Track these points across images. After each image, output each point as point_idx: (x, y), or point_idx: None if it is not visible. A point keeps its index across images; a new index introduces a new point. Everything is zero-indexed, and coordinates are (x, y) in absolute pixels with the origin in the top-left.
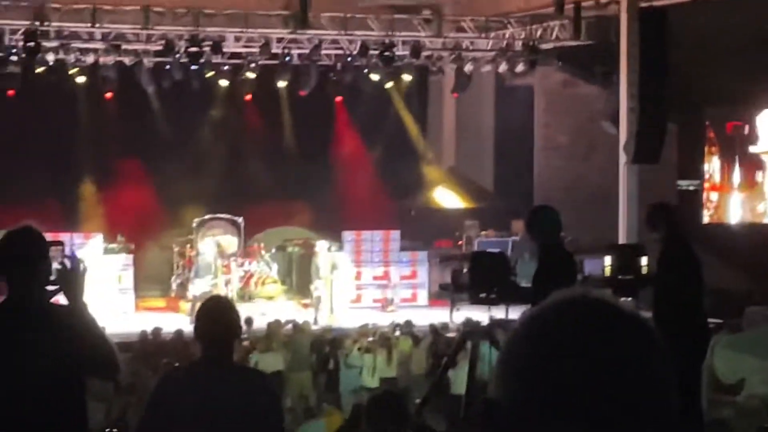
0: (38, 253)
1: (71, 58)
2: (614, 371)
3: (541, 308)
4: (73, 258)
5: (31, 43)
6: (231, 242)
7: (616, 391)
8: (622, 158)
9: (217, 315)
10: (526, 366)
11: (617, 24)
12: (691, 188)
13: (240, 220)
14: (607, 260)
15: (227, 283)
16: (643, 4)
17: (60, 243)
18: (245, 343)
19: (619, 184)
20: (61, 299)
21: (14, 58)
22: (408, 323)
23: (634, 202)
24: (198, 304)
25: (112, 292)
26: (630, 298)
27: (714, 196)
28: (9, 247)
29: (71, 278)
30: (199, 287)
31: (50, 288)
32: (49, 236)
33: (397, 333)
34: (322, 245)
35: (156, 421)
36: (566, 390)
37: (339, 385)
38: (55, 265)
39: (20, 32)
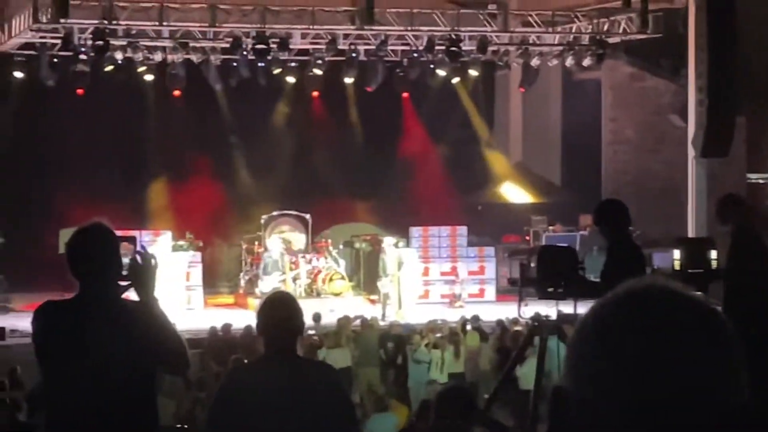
0: (109, 250)
1: (139, 56)
2: (685, 361)
3: (609, 298)
4: (144, 253)
5: (100, 42)
6: (299, 239)
7: (686, 381)
8: (691, 152)
9: (279, 311)
10: (596, 355)
11: (685, 16)
12: (761, 181)
13: (308, 216)
14: (677, 254)
15: (295, 279)
16: None
17: (131, 239)
18: (314, 338)
19: (687, 177)
20: (132, 294)
21: (83, 57)
22: (476, 318)
23: (703, 196)
24: None
25: (180, 288)
26: (700, 292)
27: None
28: (80, 243)
29: (143, 273)
30: (267, 284)
31: (122, 283)
32: (119, 232)
33: (468, 327)
34: (388, 241)
35: (224, 417)
36: (636, 379)
37: (408, 380)
38: (127, 260)
39: (89, 31)
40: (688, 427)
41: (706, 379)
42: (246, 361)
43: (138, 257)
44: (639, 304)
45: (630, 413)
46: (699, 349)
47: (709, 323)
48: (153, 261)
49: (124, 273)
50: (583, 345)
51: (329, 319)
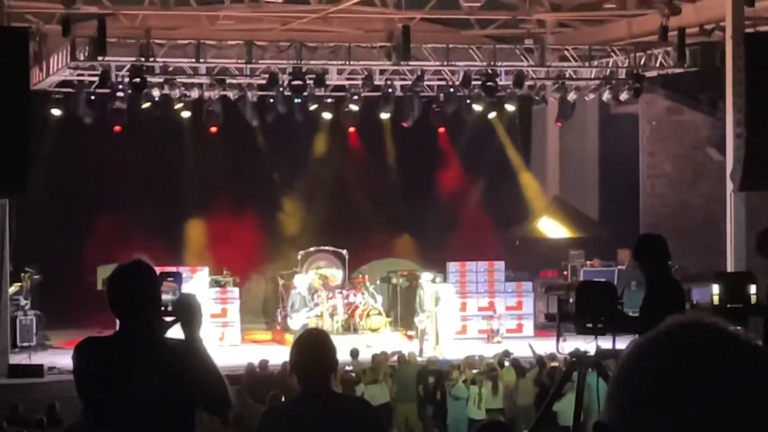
0: (149, 287)
1: (176, 93)
2: (730, 399)
3: (655, 333)
4: (188, 294)
5: (137, 79)
6: (336, 274)
7: (731, 420)
8: (729, 185)
9: (311, 348)
10: (640, 390)
11: (722, 50)
12: None
13: (345, 252)
14: (716, 288)
15: (332, 314)
16: (749, 30)
17: (177, 275)
18: (351, 375)
19: (726, 211)
20: (177, 332)
21: (120, 94)
22: (507, 353)
23: (741, 230)
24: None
25: (217, 324)
26: (739, 327)
27: None
28: (120, 280)
29: (189, 310)
30: (296, 321)
31: (167, 319)
32: (161, 269)
33: (506, 363)
34: (426, 277)
35: None
36: (680, 416)
37: (447, 417)
38: (170, 297)
39: (126, 68)
40: None
41: (751, 416)
42: (283, 398)
43: (184, 294)
44: (684, 341)
45: None
46: (745, 389)
47: (756, 364)
48: (197, 300)
49: (170, 309)
50: (626, 380)
51: (366, 354)
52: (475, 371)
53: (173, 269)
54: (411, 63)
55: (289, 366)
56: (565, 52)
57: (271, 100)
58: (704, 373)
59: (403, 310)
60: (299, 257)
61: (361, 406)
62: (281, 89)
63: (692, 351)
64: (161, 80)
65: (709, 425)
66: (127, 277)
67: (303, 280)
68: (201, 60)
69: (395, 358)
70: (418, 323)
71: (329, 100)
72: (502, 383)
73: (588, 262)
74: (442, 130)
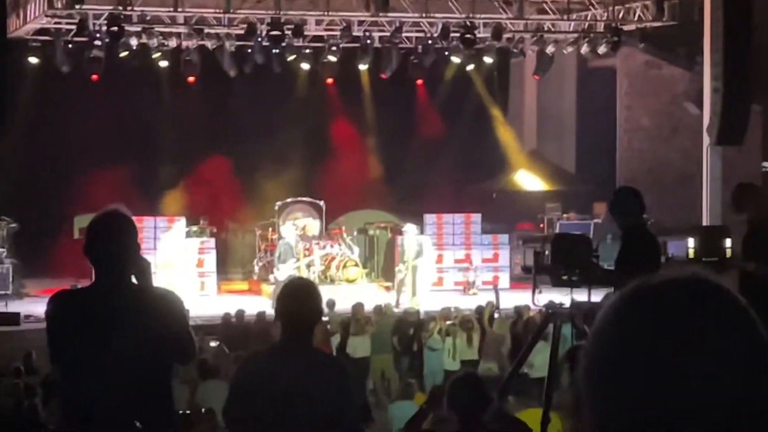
0: (127, 235)
1: (154, 42)
2: (717, 356)
3: (626, 293)
4: None
5: (115, 28)
6: (313, 225)
7: (718, 377)
8: (706, 140)
9: (300, 298)
10: (619, 346)
11: (701, 4)
12: None
13: (321, 203)
14: (691, 242)
15: (309, 266)
16: None
17: None
18: (327, 326)
19: (702, 165)
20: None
21: (98, 42)
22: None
23: (717, 184)
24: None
25: (193, 274)
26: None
27: None
28: (98, 229)
29: (142, 263)
30: (283, 272)
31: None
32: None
33: (496, 315)
34: (410, 228)
35: (239, 405)
36: (657, 374)
37: (423, 368)
38: None
39: (104, 17)
40: (720, 423)
41: (739, 379)
42: (257, 349)
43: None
44: (667, 294)
45: (659, 414)
46: (734, 347)
47: (740, 319)
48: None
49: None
50: (605, 337)
51: (343, 305)
52: (449, 323)
53: (143, 222)
54: (389, 14)
55: (274, 313)
56: (544, 5)
57: (249, 51)
58: (682, 330)
59: (381, 261)
60: (276, 208)
61: (335, 366)
62: (259, 39)
63: (676, 305)
64: (139, 29)
65: (693, 387)
66: (104, 225)
67: (290, 231)
68: (179, 9)
69: (371, 309)
70: (397, 273)
71: (307, 51)
72: (477, 335)
73: (564, 215)
74: (420, 82)
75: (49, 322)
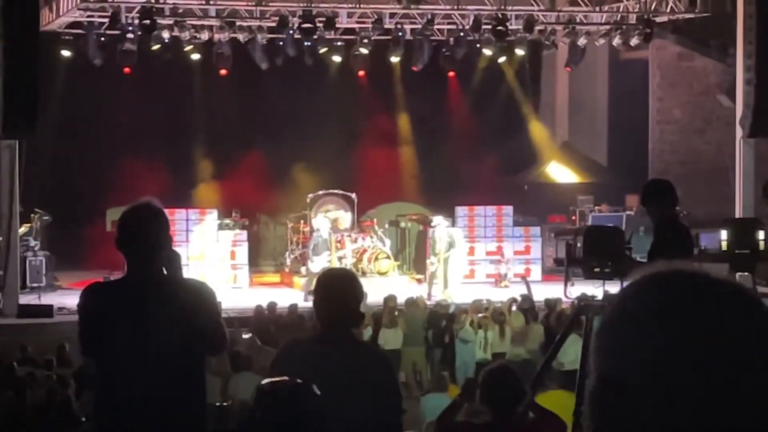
0: (160, 228)
1: (186, 35)
2: (715, 345)
3: (637, 282)
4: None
5: (147, 21)
6: (345, 218)
7: (716, 368)
8: (739, 132)
9: (340, 287)
10: (620, 341)
11: None
12: None
13: (353, 195)
14: (724, 234)
15: (341, 258)
16: None
17: None
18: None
19: (735, 157)
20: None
21: (130, 35)
22: (524, 298)
23: (750, 176)
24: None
25: (226, 267)
26: (746, 273)
27: None
28: (131, 221)
29: (172, 256)
30: (317, 264)
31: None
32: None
33: (514, 308)
34: (440, 220)
35: None
36: (663, 366)
37: (455, 360)
38: None
39: (136, 10)
40: (725, 417)
41: (735, 367)
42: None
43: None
44: (665, 288)
45: (655, 402)
46: (733, 335)
47: (743, 308)
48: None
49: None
50: (607, 331)
51: (374, 298)
52: (480, 315)
53: (176, 214)
54: (421, 6)
55: (313, 304)
56: None
57: (281, 43)
58: (685, 320)
59: (412, 253)
60: (308, 200)
61: (377, 355)
62: (291, 32)
63: (671, 299)
64: (171, 22)
65: (689, 377)
66: (137, 218)
67: (324, 223)
68: (211, 2)
69: (402, 301)
70: (429, 265)
71: (339, 44)
72: (510, 328)
73: (596, 208)
74: (452, 74)
75: (81, 314)
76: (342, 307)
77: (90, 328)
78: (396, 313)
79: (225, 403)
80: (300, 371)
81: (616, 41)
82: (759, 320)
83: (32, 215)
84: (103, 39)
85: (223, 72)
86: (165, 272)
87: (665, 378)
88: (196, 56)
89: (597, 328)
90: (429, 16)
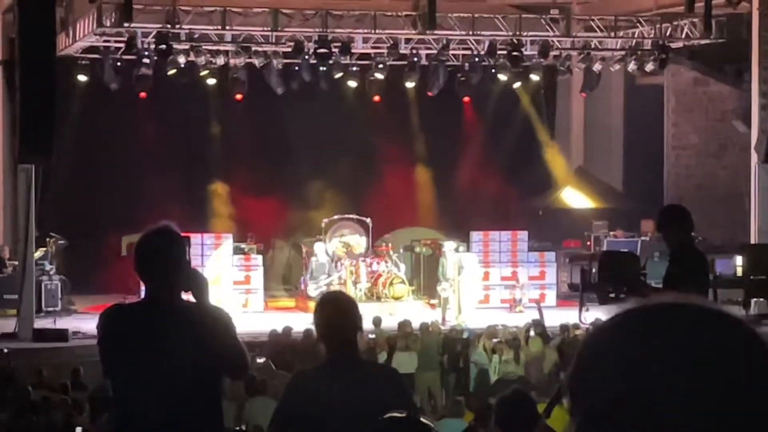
0: (178, 252)
1: (202, 60)
2: (706, 374)
3: (621, 316)
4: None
5: (163, 46)
6: (360, 242)
7: (701, 398)
8: (754, 158)
9: (333, 311)
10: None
11: (748, 21)
12: None
13: (368, 220)
14: (739, 260)
15: (355, 282)
16: None
17: (185, 239)
18: (371, 342)
19: (750, 183)
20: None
21: (146, 60)
22: (535, 323)
23: (766, 202)
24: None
25: (240, 291)
26: (762, 299)
27: None
28: (149, 246)
29: (198, 279)
30: (313, 288)
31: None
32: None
33: (531, 333)
34: (449, 246)
35: (288, 424)
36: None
37: (470, 384)
38: None
39: (152, 35)
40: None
41: (724, 399)
42: (305, 367)
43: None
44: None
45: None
46: (725, 365)
47: (732, 337)
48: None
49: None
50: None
51: (389, 323)
52: (495, 340)
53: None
54: (436, 32)
55: (315, 331)
56: (591, 23)
57: (297, 68)
58: (674, 351)
59: (426, 278)
60: (323, 225)
61: (389, 374)
62: (306, 57)
63: (663, 329)
64: (187, 47)
65: (673, 406)
66: (155, 242)
67: (323, 248)
68: (227, 27)
69: (417, 326)
70: (440, 292)
71: (354, 69)
72: (525, 353)
73: (611, 233)
74: (467, 99)
75: (101, 336)
76: (342, 329)
77: (109, 350)
78: (411, 337)
79: (240, 428)
80: (308, 402)
81: (632, 67)
82: (750, 352)
83: (48, 239)
84: (119, 64)
85: (238, 97)
86: (191, 297)
87: (652, 412)
88: (211, 81)
89: (576, 361)
90: (444, 42)
